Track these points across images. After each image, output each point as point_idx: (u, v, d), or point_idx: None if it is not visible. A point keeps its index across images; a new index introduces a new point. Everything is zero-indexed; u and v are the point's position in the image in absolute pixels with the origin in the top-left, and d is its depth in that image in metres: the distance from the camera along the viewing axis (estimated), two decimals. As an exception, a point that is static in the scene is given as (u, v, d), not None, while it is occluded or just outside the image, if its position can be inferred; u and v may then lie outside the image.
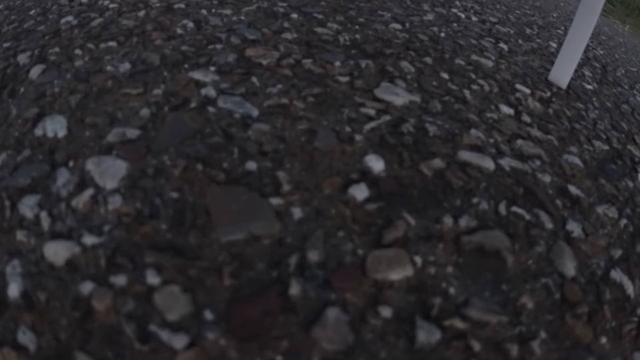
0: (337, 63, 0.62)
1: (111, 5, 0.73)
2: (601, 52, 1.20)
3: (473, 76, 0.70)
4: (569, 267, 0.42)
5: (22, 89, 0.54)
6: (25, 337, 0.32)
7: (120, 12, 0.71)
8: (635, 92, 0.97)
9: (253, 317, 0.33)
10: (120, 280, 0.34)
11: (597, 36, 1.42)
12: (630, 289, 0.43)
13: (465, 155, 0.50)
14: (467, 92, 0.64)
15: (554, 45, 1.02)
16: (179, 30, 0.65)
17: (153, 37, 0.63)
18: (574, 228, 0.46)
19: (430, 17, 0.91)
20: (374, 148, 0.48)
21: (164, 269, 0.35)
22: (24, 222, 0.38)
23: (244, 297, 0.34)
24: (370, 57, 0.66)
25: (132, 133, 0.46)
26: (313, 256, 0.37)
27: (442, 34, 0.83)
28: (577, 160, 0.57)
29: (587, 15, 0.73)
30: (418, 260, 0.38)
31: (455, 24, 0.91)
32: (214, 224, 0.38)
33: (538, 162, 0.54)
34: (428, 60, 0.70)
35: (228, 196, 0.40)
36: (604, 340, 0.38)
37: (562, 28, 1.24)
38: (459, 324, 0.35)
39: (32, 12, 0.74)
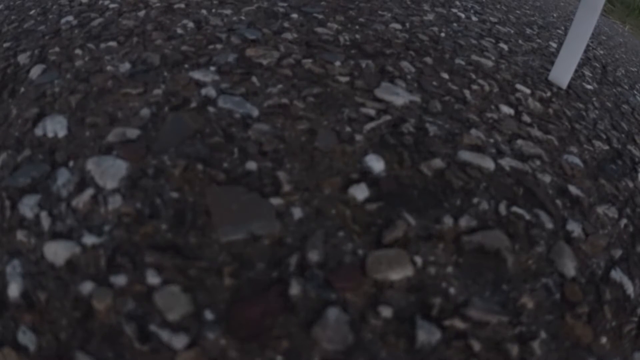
0: (337, 63, 0.62)
1: (111, 5, 0.73)
2: (601, 52, 1.20)
3: (473, 76, 0.70)
4: (569, 267, 0.42)
5: (22, 89, 0.54)
6: (25, 337, 0.32)
7: (121, 12, 0.71)
8: (635, 92, 0.97)
9: (253, 317, 0.33)
10: (120, 280, 0.34)
11: (597, 36, 1.42)
12: (630, 289, 0.43)
13: (465, 155, 0.50)
14: (467, 92, 0.64)
15: (554, 45, 1.02)
16: (179, 30, 0.65)
17: (153, 37, 0.63)
18: (574, 228, 0.46)
19: (430, 17, 0.91)
20: (374, 148, 0.48)
21: (164, 269, 0.35)
22: (24, 222, 0.38)
23: (244, 297, 0.34)
24: (370, 57, 0.66)
25: (132, 133, 0.46)
26: (313, 256, 0.37)
27: (442, 34, 0.83)
28: (577, 160, 0.57)
29: (587, 16, 0.73)
30: (418, 260, 0.38)
31: (455, 24, 0.91)
32: (214, 224, 0.38)
33: (538, 162, 0.54)
34: (428, 60, 0.70)
35: (228, 196, 0.40)
36: (604, 340, 0.38)
37: (562, 28, 1.24)
38: (459, 324, 0.35)
39: (32, 12, 0.74)
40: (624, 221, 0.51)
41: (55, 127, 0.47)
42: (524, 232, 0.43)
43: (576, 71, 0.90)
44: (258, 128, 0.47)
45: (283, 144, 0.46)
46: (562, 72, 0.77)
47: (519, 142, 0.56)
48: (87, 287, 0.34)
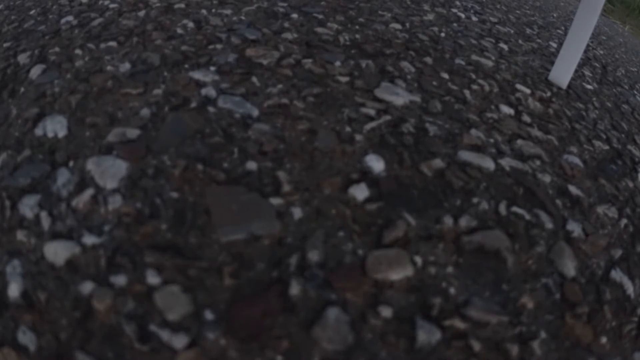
0: (337, 63, 0.62)
1: (111, 5, 0.73)
2: (601, 52, 1.20)
3: (473, 76, 0.70)
4: (569, 267, 0.42)
5: (22, 89, 0.54)
6: (25, 337, 0.32)
7: (121, 12, 0.71)
8: (635, 92, 0.97)
9: (253, 317, 0.33)
10: (120, 280, 0.34)
11: (597, 36, 1.42)
12: (630, 289, 0.43)
13: (465, 155, 0.50)
14: (467, 92, 0.64)
15: (554, 45, 1.02)
16: (179, 30, 0.65)
17: (153, 37, 0.63)
18: (574, 228, 0.46)
19: (430, 17, 0.91)
20: (374, 148, 0.48)
21: (164, 269, 0.35)
22: (24, 222, 0.38)
23: (244, 297, 0.34)
24: (370, 57, 0.66)
25: (132, 133, 0.46)
26: (313, 256, 0.37)
27: (442, 34, 0.83)
28: (577, 160, 0.57)
29: (587, 16, 0.73)
30: (418, 260, 0.38)
31: (455, 24, 0.91)
32: (214, 224, 0.38)
33: (538, 162, 0.54)
34: (428, 60, 0.70)
35: (228, 196, 0.40)
36: (604, 340, 0.38)
37: (562, 28, 1.24)
38: (459, 324, 0.35)
39: (32, 12, 0.74)
40: (624, 221, 0.51)
41: (55, 127, 0.47)
42: (524, 232, 0.43)
43: (576, 71, 0.90)
44: (258, 128, 0.47)
45: (283, 144, 0.46)
46: (562, 72, 0.77)
47: (519, 142, 0.56)
48: (87, 287, 0.34)
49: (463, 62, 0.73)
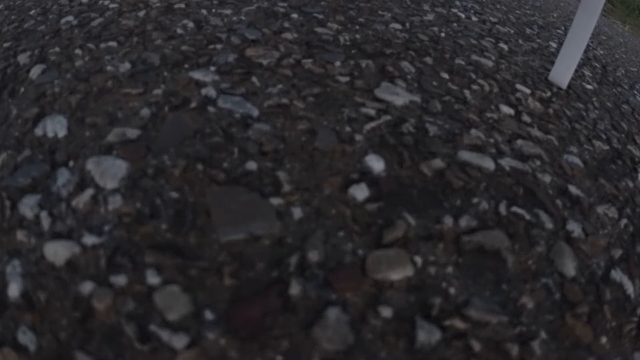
0: (337, 63, 0.62)
1: (111, 5, 0.73)
2: (601, 52, 1.20)
3: (473, 76, 0.70)
4: (569, 267, 0.42)
5: (22, 89, 0.54)
6: (26, 337, 0.32)
7: (121, 12, 0.71)
8: (635, 92, 0.97)
9: (253, 317, 0.33)
10: (120, 280, 0.34)
11: (597, 36, 1.42)
12: (630, 289, 0.43)
13: (465, 155, 0.50)
14: (467, 92, 0.64)
15: (554, 45, 1.02)
16: (179, 30, 0.65)
17: (153, 37, 0.63)
18: (574, 228, 0.46)
19: (430, 17, 0.91)
20: (374, 148, 0.48)
21: (164, 269, 0.35)
22: (24, 222, 0.38)
23: (244, 297, 0.34)
24: (370, 57, 0.66)
25: (133, 133, 0.46)
26: (313, 256, 0.37)
27: (442, 34, 0.83)
28: (577, 160, 0.57)
29: (587, 16, 0.73)
30: (418, 260, 0.38)
31: (455, 24, 0.91)
32: (214, 224, 0.38)
33: (538, 162, 0.54)
34: (428, 60, 0.70)
35: (228, 196, 0.40)
36: (604, 340, 0.38)
37: (562, 28, 1.24)
38: (459, 324, 0.35)
39: (32, 12, 0.74)
40: (624, 221, 0.51)
41: (55, 127, 0.47)
42: (524, 232, 0.43)
43: (576, 71, 0.90)
44: (258, 128, 0.47)
45: (283, 144, 0.46)
46: (562, 72, 0.77)
47: (519, 142, 0.56)
48: (87, 287, 0.34)
49: (463, 62, 0.73)
